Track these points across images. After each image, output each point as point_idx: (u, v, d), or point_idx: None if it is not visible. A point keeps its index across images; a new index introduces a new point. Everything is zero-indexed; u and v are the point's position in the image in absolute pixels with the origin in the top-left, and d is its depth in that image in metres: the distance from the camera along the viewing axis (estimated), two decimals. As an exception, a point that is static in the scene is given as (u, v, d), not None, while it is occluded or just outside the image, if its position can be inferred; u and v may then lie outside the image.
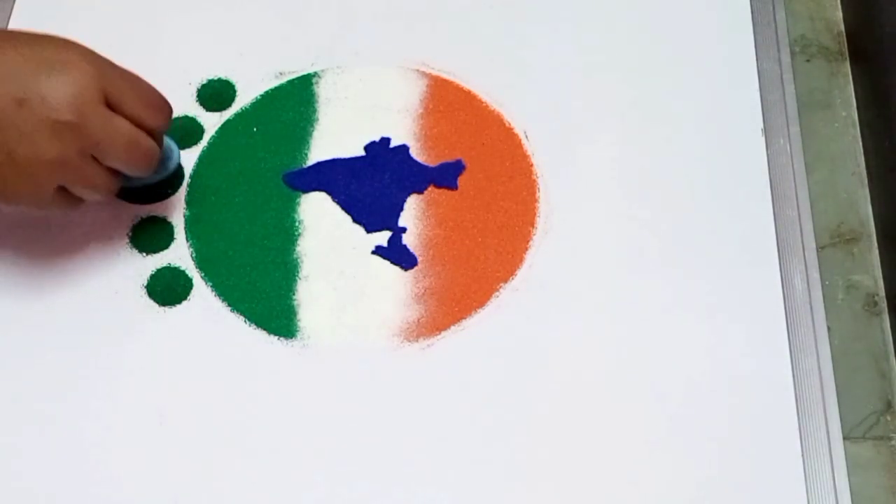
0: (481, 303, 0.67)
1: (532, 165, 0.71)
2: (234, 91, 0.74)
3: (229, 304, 0.67)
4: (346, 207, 0.70)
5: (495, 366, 0.65)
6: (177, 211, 0.70)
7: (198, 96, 0.74)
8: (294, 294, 0.67)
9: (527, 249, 0.68)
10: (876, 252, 0.71)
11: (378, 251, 0.68)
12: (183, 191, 0.71)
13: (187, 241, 0.69)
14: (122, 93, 0.60)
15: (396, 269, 0.68)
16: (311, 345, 0.66)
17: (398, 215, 0.69)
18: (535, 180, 0.71)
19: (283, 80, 0.75)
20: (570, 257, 0.68)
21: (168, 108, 0.63)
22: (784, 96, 0.73)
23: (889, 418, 0.66)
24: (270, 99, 0.74)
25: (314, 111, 0.73)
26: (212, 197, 0.71)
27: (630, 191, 0.70)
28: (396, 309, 0.66)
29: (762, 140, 0.71)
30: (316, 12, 0.77)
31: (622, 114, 0.73)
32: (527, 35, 0.76)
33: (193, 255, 0.69)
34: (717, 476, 0.61)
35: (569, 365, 0.64)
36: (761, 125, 0.72)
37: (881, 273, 0.70)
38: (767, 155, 0.71)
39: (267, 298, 0.67)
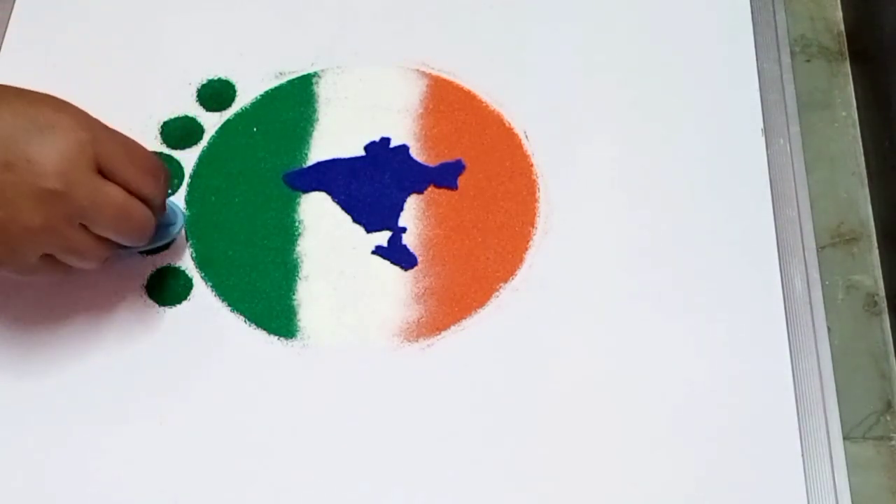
0: (481, 303, 0.67)
1: (532, 165, 0.71)
2: (234, 91, 0.74)
3: (229, 304, 0.67)
4: (346, 207, 0.70)
5: (495, 366, 0.65)
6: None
7: (198, 96, 0.74)
8: (294, 294, 0.67)
9: (527, 249, 0.68)
10: (876, 252, 0.71)
11: (378, 251, 0.68)
12: (183, 191, 0.71)
13: (187, 241, 0.69)
14: (114, 159, 0.57)
15: (396, 269, 0.68)
16: (311, 345, 0.66)
17: (398, 215, 0.69)
18: (535, 180, 0.71)
19: (283, 80, 0.75)
20: (570, 257, 0.68)
21: (165, 173, 0.61)
22: (784, 96, 0.73)
23: (889, 418, 0.66)
24: (270, 99, 0.74)
25: (314, 111, 0.74)
26: (212, 197, 0.71)
27: (630, 191, 0.70)
28: (396, 309, 0.66)
29: (762, 140, 0.71)
30: (316, 12, 0.77)
31: (622, 114, 0.73)
32: (527, 35, 0.76)
33: (193, 255, 0.69)
34: (717, 476, 0.61)
35: (569, 365, 0.64)
36: (761, 125, 0.72)
37: (881, 273, 0.70)
38: (767, 155, 0.71)
39: (267, 298, 0.67)
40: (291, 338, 0.66)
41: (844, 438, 0.63)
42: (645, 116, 0.73)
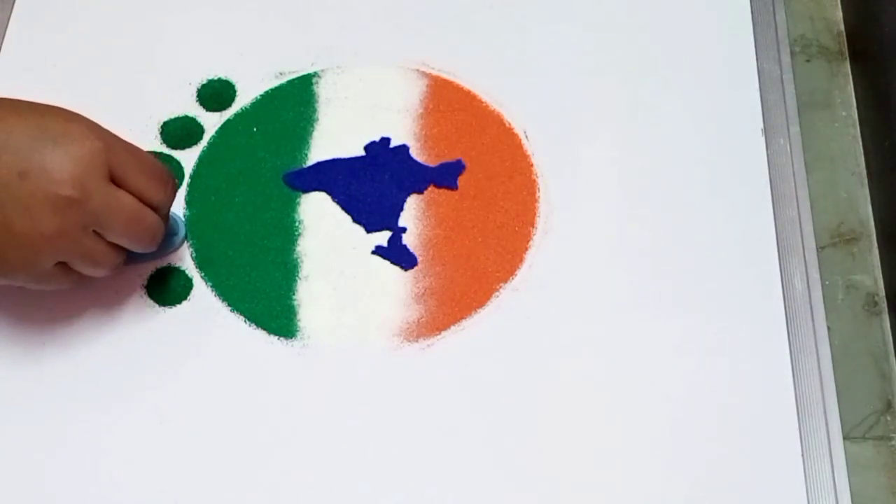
0: (481, 303, 0.67)
1: (532, 165, 0.71)
2: (234, 91, 0.74)
3: (229, 304, 0.67)
4: (346, 207, 0.70)
5: (495, 366, 0.65)
6: (177, 211, 0.70)
7: (198, 96, 0.74)
8: (294, 294, 0.67)
9: (527, 249, 0.68)
10: (876, 252, 0.71)
11: (378, 251, 0.68)
12: (183, 191, 0.71)
13: (187, 241, 0.69)
14: (126, 167, 0.59)
15: (396, 269, 0.68)
16: (311, 345, 0.66)
17: (398, 215, 0.69)
18: (535, 180, 0.71)
19: (283, 80, 0.75)
20: (570, 257, 0.68)
21: (173, 182, 0.62)
22: (784, 96, 0.73)
23: (889, 418, 0.66)
24: (270, 99, 0.74)
25: (314, 111, 0.74)
26: (212, 197, 0.71)
27: (630, 191, 0.70)
28: (396, 309, 0.66)
29: (762, 140, 0.71)
30: (316, 12, 0.77)
31: (622, 114, 0.73)
32: (527, 35, 0.76)
33: (193, 255, 0.69)
34: (717, 476, 0.61)
35: (568, 365, 0.64)
36: (761, 125, 0.72)
37: (881, 273, 0.70)
38: (767, 155, 0.71)
39: (267, 298, 0.67)
40: (291, 338, 0.66)
41: (844, 438, 0.63)
42: (645, 116, 0.73)
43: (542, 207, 0.70)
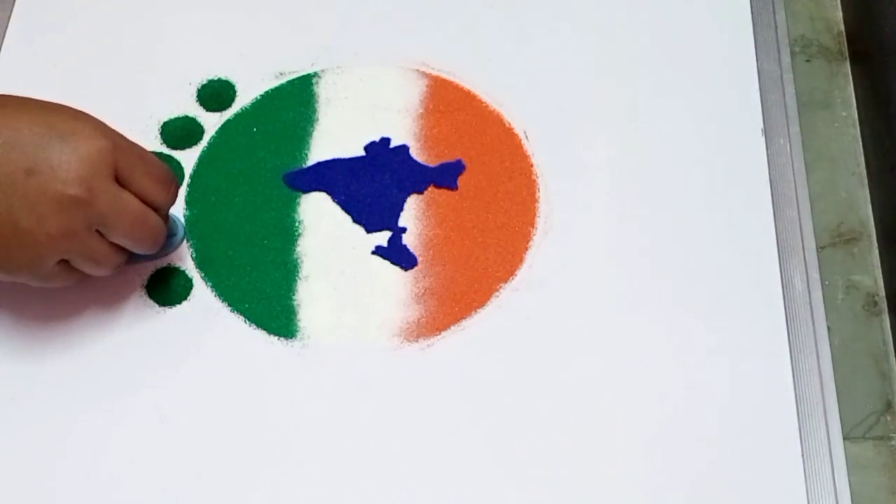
0: (481, 303, 0.67)
1: (532, 165, 0.71)
2: (234, 91, 0.74)
3: (229, 304, 0.67)
4: (346, 207, 0.70)
5: (495, 366, 0.65)
6: (177, 211, 0.70)
7: (198, 96, 0.74)
8: (294, 294, 0.67)
9: (527, 249, 0.68)
10: (876, 252, 0.71)
11: (378, 251, 0.68)
12: (183, 191, 0.71)
13: (187, 241, 0.69)
14: (132, 168, 0.59)
15: (396, 269, 0.68)
16: (311, 345, 0.66)
17: (398, 215, 0.69)
18: (535, 180, 0.71)
19: (283, 80, 0.75)
20: (570, 257, 0.68)
21: (175, 184, 0.62)
22: (784, 96, 0.73)
23: (889, 418, 0.66)
24: (270, 99, 0.74)
25: (314, 111, 0.74)
26: (212, 197, 0.71)
27: (630, 191, 0.70)
28: (396, 309, 0.66)
29: (762, 140, 0.71)
30: (316, 12, 0.77)
31: (622, 114, 0.73)
32: (527, 35, 0.76)
33: (193, 255, 0.69)
34: (716, 476, 0.61)
35: (568, 365, 0.64)
36: (761, 125, 0.72)
37: (881, 273, 0.70)
38: (767, 155, 0.71)
39: (267, 298, 0.67)
40: (291, 338, 0.66)
41: (844, 438, 0.63)
42: (645, 116, 0.73)
43: (542, 207, 0.70)
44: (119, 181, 0.58)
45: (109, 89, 0.74)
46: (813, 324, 0.65)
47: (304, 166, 0.71)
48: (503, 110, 0.73)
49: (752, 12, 0.76)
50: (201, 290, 0.67)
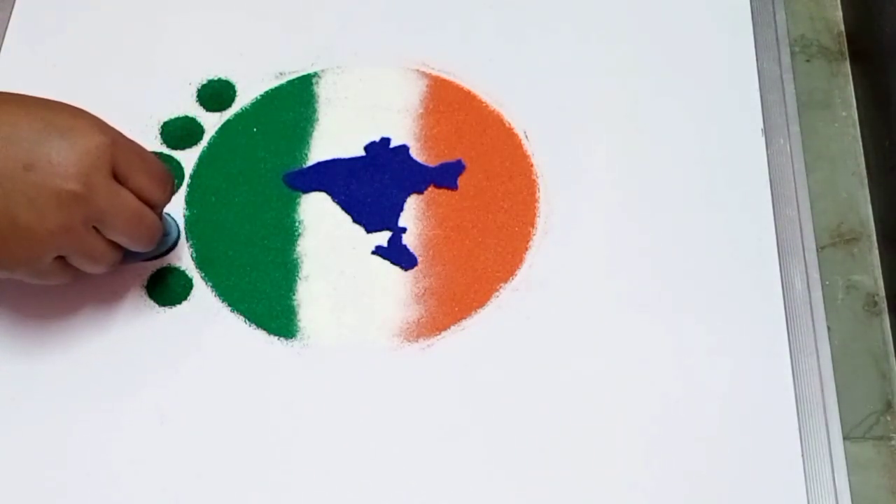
0: (481, 303, 0.67)
1: (532, 165, 0.71)
2: (234, 91, 0.74)
3: (229, 304, 0.67)
4: (346, 207, 0.70)
5: (495, 366, 0.65)
6: (177, 211, 0.70)
7: (198, 96, 0.74)
8: (294, 294, 0.67)
9: (527, 249, 0.68)
10: (876, 252, 0.71)
11: (378, 251, 0.68)
12: (183, 191, 0.71)
13: (187, 241, 0.69)
14: (130, 165, 0.59)
15: (396, 269, 0.68)
16: (311, 345, 0.66)
17: (398, 215, 0.69)
18: (535, 180, 0.71)
19: (283, 80, 0.75)
20: (570, 257, 0.68)
21: (172, 182, 0.62)
22: (784, 96, 0.73)
23: (889, 418, 0.66)
24: (270, 99, 0.74)
25: (314, 111, 0.74)
26: (212, 197, 0.71)
27: (630, 191, 0.70)
28: (396, 309, 0.66)
29: (762, 140, 0.71)
30: (316, 12, 0.77)
31: (622, 114, 0.73)
32: (527, 35, 0.76)
33: (193, 255, 0.69)
34: (716, 476, 0.61)
35: (568, 365, 0.64)
36: (761, 125, 0.72)
37: (881, 273, 0.70)
38: (767, 155, 0.71)
39: (267, 298, 0.67)
40: (291, 338, 0.66)
41: (844, 438, 0.63)
42: (645, 116, 0.73)
43: (542, 207, 0.70)
44: (117, 178, 0.58)
45: (109, 89, 0.74)
46: (813, 324, 0.65)
47: (304, 166, 0.71)
48: (503, 110, 0.73)
49: (752, 12, 0.76)
50: (201, 290, 0.67)
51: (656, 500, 0.61)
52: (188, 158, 0.72)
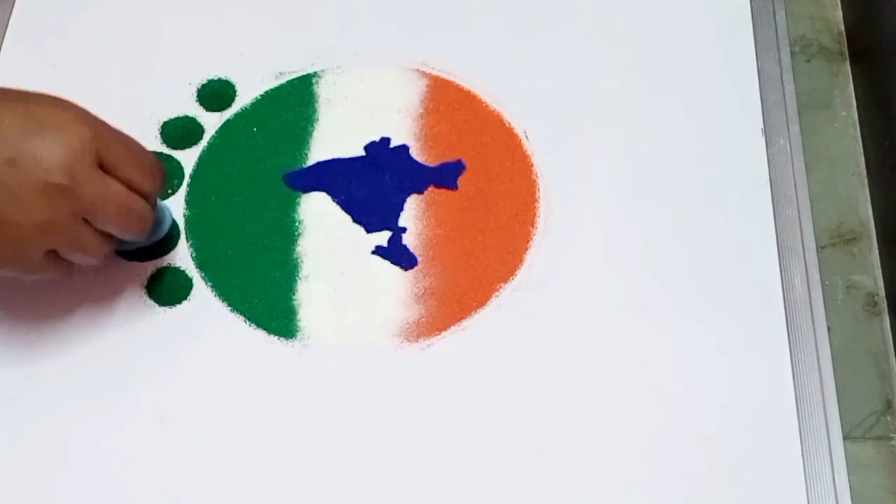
0: (481, 303, 0.67)
1: (532, 165, 0.71)
2: (234, 91, 0.74)
3: (229, 304, 0.67)
4: (346, 207, 0.70)
5: (495, 366, 0.65)
6: (177, 211, 0.70)
7: (198, 96, 0.74)
8: (294, 294, 0.67)
9: (527, 249, 0.68)
10: (876, 252, 0.71)
11: (378, 251, 0.68)
12: (183, 191, 0.71)
13: (187, 241, 0.69)
14: (116, 155, 0.58)
15: (396, 269, 0.68)
16: (311, 345, 0.66)
17: (398, 215, 0.69)
18: (535, 180, 0.71)
19: (283, 80, 0.75)
20: (570, 257, 0.68)
21: (162, 170, 0.61)
22: (784, 96, 0.73)
23: (889, 418, 0.66)
24: (270, 99, 0.74)
25: (314, 111, 0.74)
26: (212, 197, 0.71)
27: (630, 190, 0.70)
28: (396, 309, 0.66)
29: (762, 140, 0.71)
30: (316, 12, 0.77)
31: (622, 114, 0.73)
32: (527, 35, 0.76)
33: (193, 255, 0.69)
34: (717, 476, 0.61)
35: (569, 365, 0.64)
36: (761, 125, 0.72)
37: (881, 273, 0.70)
38: (767, 155, 0.71)
39: (267, 298, 0.67)
40: (291, 338, 0.66)
41: (844, 438, 0.63)
42: (645, 116, 0.73)
43: (542, 207, 0.70)
44: (104, 169, 0.58)
45: (109, 89, 0.74)
46: (813, 324, 0.65)
47: (304, 166, 0.71)
48: (503, 110, 0.73)
49: (752, 12, 0.76)
50: (201, 290, 0.67)
51: (656, 500, 0.61)
52: (188, 158, 0.72)
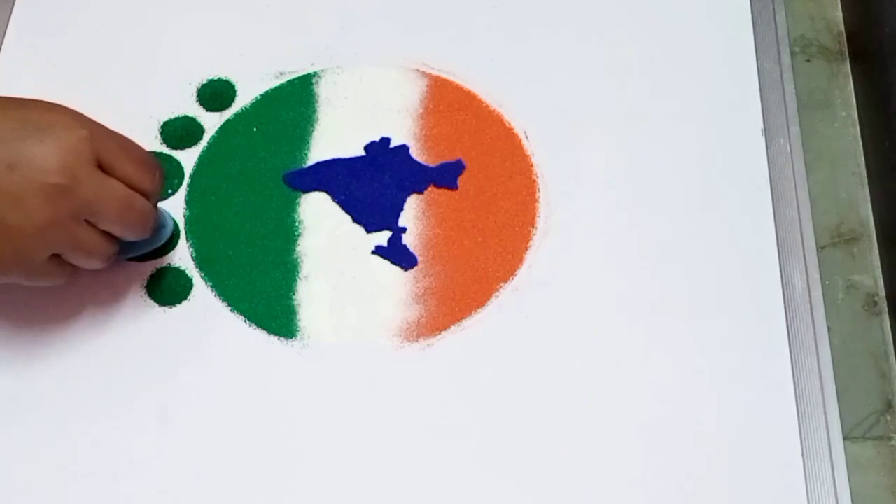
0: (481, 303, 0.67)
1: (532, 165, 0.71)
2: (234, 91, 0.74)
3: (229, 304, 0.67)
4: (346, 207, 0.70)
5: (495, 366, 0.65)
6: (177, 211, 0.70)
7: (198, 96, 0.74)
8: (294, 294, 0.67)
9: (527, 249, 0.68)
10: (876, 252, 0.71)
11: (378, 251, 0.68)
12: (183, 191, 0.71)
13: (187, 241, 0.69)
14: (113, 154, 0.58)
15: (396, 269, 0.68)
16: (311, 345, 0.66)
17: (398, 215, 0.69)
18: (535, 180, 0.71)
19: (283, 80, 0.75)
20: (570, 257, 0.68)
21: (160, 169, 0.62)
22: (784, 96, 0.73)
23: (889, 418, 0.66)
24: (270, 99, 0.74)
25: (314, 111, 0.74)
26: (212, 197, 0.71)
27: (630, 191, 0.70)
28: (396, 309, 0.66)
29: (762, 140, 0.71)
30: (316, 12, 0.77)
31: (622, 114, 0.73)
32: (527, 35, 0.76)
33: (193, 255, 0.69)
34: (716, 476, 0.61)
35: (568, 365, 0.64)
36: (761, 125, 0.72)
37: (881, 273, 0.70)
38: (767, 155, 0.71)
39: (267, 298, 0.67)
40: (291, 338, 0.66)
41: (844, 438, 0.63)
42: (645, 116, 0.73)
43: (542, 207, 0.70)
44: (102, 168, 0.58)
45: (109, 89, 0.74)
46: (813, 324, 0.65)
47: (304, 166, 0.71)
48: (503, 110, 0.73)
49: (752, 12, 0.76)
50: (201, 290, 0.67)
51: (656, 500, 0.61)
52: (188, 158, 0.72)
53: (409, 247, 0.68)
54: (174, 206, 0.70)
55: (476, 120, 0.73)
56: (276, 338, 0.66)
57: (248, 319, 0.66)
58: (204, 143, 0.72)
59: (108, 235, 0.60)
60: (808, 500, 0.60)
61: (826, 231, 0.71)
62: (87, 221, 0.58)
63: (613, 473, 0.62)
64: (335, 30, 0.77)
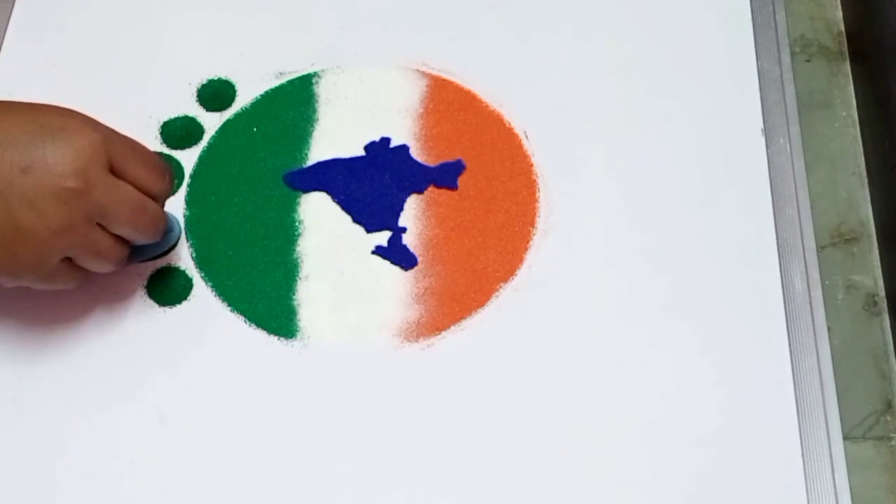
0: (481, 303, 0.67)
1: (532, 165, 0.71)
2: (234, 91, 0.74)
3: (229, 304, 0.67)
4: (346, 207, 0.70)
5: (495, 366, 0.65)
6: (177, 211, 0.70)
7: (198, 96, 0.74)
8: (294, 294, 0.67)
9: (527, 249, 0.68)
10: (876, 252, 0.71)
11: (378, 251, 0.68)
12: (183, 191, 0.71)
13: (187, 241, 0.69)
14: (125, 158, 0.59)
15: (396, 269, 0.68)
16: (311, 345, 0.66)
17: (398, 215, 0.69)
18: (535, 180, 0.71)
19: (283, 80, 0.75)
20: (570, 257, 0.68)
21: (170, 173, 0.63)
22: (784, 96, 0.73)
23: (889, 418, 0.66)
24: (270, 99, 0.74)
25: (314, 111, 0.74)
26: (212, 197, 0.71)
27: (630, 191, 0.70)
28: (396, 309, 0.66)
29: (762, 140, 0.71)
30: (316, 12, 0.78)
31: (622, 114, 0.73)
32: (527, 35, 0.76)
33: (193, 255, 0.69)
34: (716, 476, 0.61)
35: (568, 365, 0.64)
36: (761, 125, 0.72)
37: (881, 273, 0.70)
38: (767, 155, 0.71)
39: (267, 298, 0.67)
40: (291, 338, 0.66)
41: (844, 438, 0.63)
42: (645, 116, 0.73)
43: (542, 207, 0.70)
44: (114, 172, 0.59)
45: (109, 89, 0.74)
46: (813, 324, 0.65)
47: (304, 166, 0.71)
48: (503, 110, 0.73)
49: (752, 12, 0.76)
50: (201, 290, 0.67)
51: (656, 500, 0.61)
52: (188, 158, 0.72)
53: (409, 247, 0.68)
54: (174, 206, 0.70)
55: (476, 120, 0.73)
56: (276, 338, 0.66)
57: (248, 319, 0.66)
58: (204, 143, 0.72)
59: (119, 239, 0.60)
60: (808, 500, 0.60)
61: (826, 231, 0.71)
62: (99, 225, 0.59)
63: (613, 473, 0.62)
64: (335, 30, 0.77)
